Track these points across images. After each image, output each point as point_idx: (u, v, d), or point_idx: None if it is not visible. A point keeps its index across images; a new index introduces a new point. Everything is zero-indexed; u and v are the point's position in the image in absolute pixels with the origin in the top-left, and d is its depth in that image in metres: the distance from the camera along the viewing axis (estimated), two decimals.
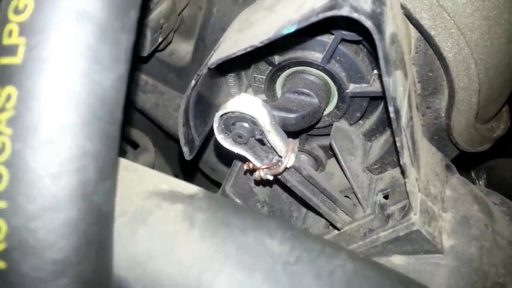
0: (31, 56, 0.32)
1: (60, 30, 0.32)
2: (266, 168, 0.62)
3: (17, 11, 0.33)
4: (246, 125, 0.58)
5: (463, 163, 0.91)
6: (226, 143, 0.61)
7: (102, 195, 0.34)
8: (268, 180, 0.63)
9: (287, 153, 0.60)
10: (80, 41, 0.32)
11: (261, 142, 0.61)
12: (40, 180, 0.31)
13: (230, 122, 0.59)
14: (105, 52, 0.33)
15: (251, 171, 0.64)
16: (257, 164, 0.62)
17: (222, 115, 0.59)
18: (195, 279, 0.39)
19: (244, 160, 0.63)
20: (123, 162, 0.47)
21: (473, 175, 1.15)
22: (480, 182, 1.13)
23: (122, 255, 0.40)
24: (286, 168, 0.61)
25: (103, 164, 0.34)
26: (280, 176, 0.63)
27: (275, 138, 0.59)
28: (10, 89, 0.32)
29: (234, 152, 0.61)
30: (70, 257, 0.33)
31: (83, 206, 0.33)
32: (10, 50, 0.33)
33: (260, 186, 0.76)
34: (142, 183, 0.45)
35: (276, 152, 0.61)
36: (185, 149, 0.66)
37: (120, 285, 0.40)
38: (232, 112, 0.58)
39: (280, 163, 0.60)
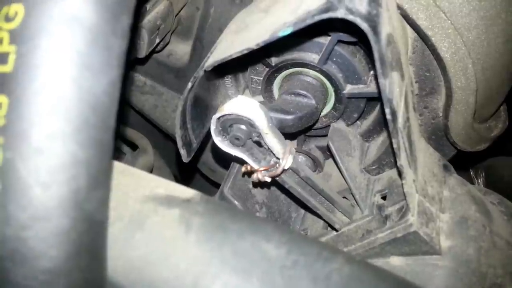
0: (21, 64, 0.32)
1: (50, 36, 0.32)
2: (263, 170, 0.61)
3: (7, 19, 0.33)
4: (243, 127, 0.58)
5: (462, 162, 0.90)
6: (224, 145, 0.60)
7: (94, 203, 0.34)
8: (266, 182, 0.62)
9: (285, 155, 0.59)
10: (70, 48, 0.32)
11: (259, 144, 0.60)
12: (31, 189, 0.31)
13: (227, 125, 0.59)
14: (96, 58, 0.33)
15: (249, 173, 0.63)
16: (255, 166, 0.62)
17: (219, 118, 0.58)
18: (192, 284, 0.39)
19: (242, 162, 0.63)
20: (120, 166, 0.46)
21: (472, 174, 1.15)
22: (479, 181, 1.12)
23: (118, 260, 0.40)
24: (283, 170, 0.61)
25: (95, 172, 0.34)
26: (278, 178, 0.62)
27: (272, 140, 0.58)
28: (0, 98, 0.32)
29: (232, 154, 0.61)
30: (62, 266, 0.32)
31: (74, 215, 0.33)
32: (1, 58, 0.32)
33: (258, 188, 0.75)
34: (138, 187, 0.45)
35: (274, 154, 0.60)
36: (182, 152, 0.66)
37: None
38: (229, 114, 0.58)
39: (277, 165, 0.60)
